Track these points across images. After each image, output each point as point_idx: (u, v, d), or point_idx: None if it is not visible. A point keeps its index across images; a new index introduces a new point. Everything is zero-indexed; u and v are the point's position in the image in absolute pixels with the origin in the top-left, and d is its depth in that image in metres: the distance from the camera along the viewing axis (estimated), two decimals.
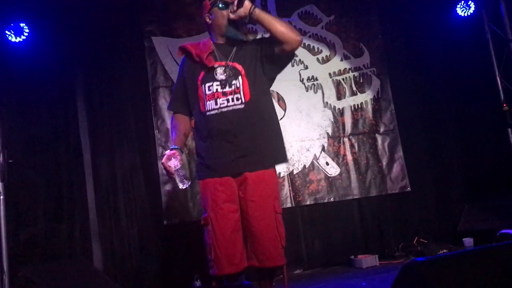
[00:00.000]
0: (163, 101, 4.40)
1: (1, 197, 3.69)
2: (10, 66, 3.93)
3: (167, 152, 2.49)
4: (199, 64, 2.57)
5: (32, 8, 4.01)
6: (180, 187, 2.42)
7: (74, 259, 3.89)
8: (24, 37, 3.99)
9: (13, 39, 3.97)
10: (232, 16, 2.50)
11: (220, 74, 2.53)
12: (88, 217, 4.14)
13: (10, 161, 3.67)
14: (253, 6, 2.46)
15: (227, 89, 2.51)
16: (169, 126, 4.32)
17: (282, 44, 2.48)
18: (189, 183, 2.43)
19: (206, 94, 2.53)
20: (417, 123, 5.08)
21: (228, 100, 2.50)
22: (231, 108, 2.49)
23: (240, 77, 2.52)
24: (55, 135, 4.16)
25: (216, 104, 2.50)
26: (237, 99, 2.50)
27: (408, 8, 5.04)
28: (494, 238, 3.84)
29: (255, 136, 2.50)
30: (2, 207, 3.68)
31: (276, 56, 2.55)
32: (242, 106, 2.49)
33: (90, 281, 3.59)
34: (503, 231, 3.88)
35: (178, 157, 2.45)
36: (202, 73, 2.56)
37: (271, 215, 2.46)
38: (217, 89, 2.51)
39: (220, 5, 2.54)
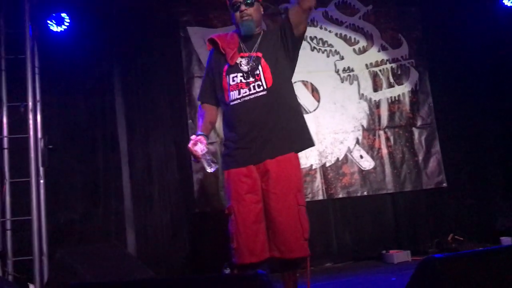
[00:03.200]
0: (197, 91, 4.40)
1: (42, 181, 3.85)
2: (51, 55, 4.06)
3: (193, 137, 2.52)
4: (225, 55, 2.61)
5: None
6: (208, 171, 2.45)
7: (108, 243, 4.01)
8: (65, 27, 4.11)
9: (55, 29, 4.09)
10: None
11: (244, 65, 2.57)
12: (123, 203, 4.25)
13: (50, 146, 3.82)
14: None
15: (250, 79, 2.54)
16: None
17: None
18: (217, 167, 2.46)
19: (230, 85, 2.57)
20: (456, 118, 4.93)
21: (250, 89, 2.53)
22: (253, 96, 2.52)
23: (260, 65, 2.54)
24: (93, 123, 4.29)
25: (239, 94, 2.54)
26: (259, 86, 2.52)
27: None
28: None
29: (277, 122, 2.52)
30: (42, 190, 3.85)
31: (293, 20, 2.56)
32: (265, 92, 2.52)
33: (123, 265, 3.70)
34: None
35: (204, 142, 2.49)
36: (227, 64, 2.60)
37: (294, 207, 2.46)
38: (241, 80, 2.55)
39: (233, 8, 2.63)
